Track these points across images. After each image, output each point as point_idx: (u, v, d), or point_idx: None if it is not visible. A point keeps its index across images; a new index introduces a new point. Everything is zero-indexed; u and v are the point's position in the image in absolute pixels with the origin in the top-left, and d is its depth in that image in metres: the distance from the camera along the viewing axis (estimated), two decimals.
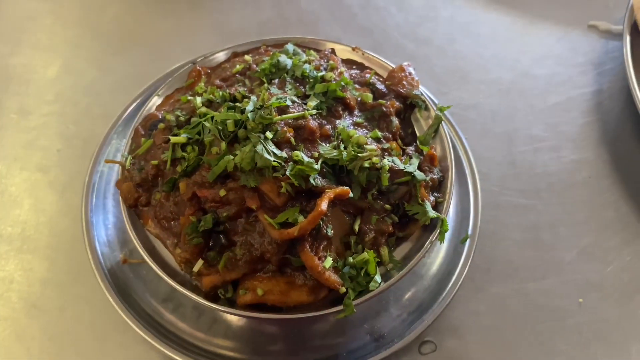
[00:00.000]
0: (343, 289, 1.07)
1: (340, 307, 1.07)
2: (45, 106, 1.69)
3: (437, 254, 1.37)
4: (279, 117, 1.14)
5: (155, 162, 1.20)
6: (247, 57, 1.43)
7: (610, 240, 1.45)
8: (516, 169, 1.58)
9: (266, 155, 1.07)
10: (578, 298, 1.35)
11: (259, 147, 1.08)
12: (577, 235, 1.46)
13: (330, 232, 1.10)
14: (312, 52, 1.44)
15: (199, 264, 1.12)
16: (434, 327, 1.28)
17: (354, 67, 1.47)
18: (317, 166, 1.09)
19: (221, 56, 1.50)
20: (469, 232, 1.37)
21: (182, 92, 1.42)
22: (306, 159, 1.09)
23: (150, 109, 1.38)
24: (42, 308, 1.31)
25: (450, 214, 1.41)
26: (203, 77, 1.43)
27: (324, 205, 1.03)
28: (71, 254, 1.38)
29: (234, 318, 1.27)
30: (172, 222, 1.18)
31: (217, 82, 1.37)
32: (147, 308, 1.28)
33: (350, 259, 1.10)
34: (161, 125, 1.26)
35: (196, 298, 1.09)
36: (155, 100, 1.40)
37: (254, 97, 1.17)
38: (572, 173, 1.58)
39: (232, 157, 1.09)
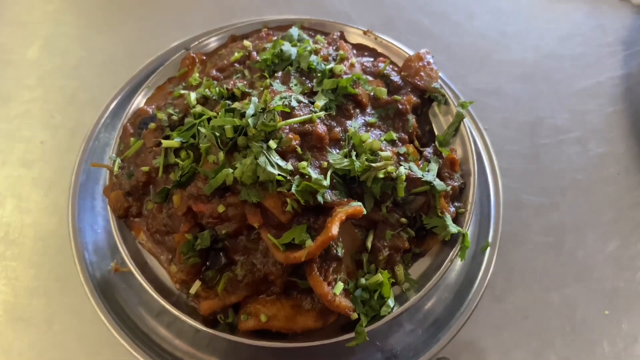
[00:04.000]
0: (355, 315, 0.98)
1: (352, 335, 0.98)
2: (27, 92, 1.55)
3: (455, 262, 1.26)
4: (283, 122, 1.01)
5: (146, 168, 1.08)
6: (246, 42, 1.29)
7: (639, 244, 1.35)
8: (539, 164, 1.46)
9: (269, 168, 0.95)
10: (604, 309, 1.26)
11: (262, 159, 0.96)
12: (603, 238, 1.36)
13: (340, 252, 0.99)
14: (319, 37, 1.29)
15: (196, 286, 1.02)
16: (450, 342, 1.19)
17: (366, 53, 1.33)
18: (327, 182, 0.97)
19: (218, 40, 1.35)
20: (490, 239, 1.26)
21: (175, 82, 1.29)
22: (314, 175, 0.97)
23: (140, 103, 1.25)
24: (29, 321, 1.22)
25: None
26: (197, 65, 1.29)
27: (334, 229, 0.91)
28: (58, 261, 1.28)
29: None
30: (166, 237, 1.07)
31: (213, 72, 1.23)
32: (140, 323, 1.18)
33: (363, 280, 1.00)
34: (152, 125, 1.14)
35: (194, 323, 1.00)
36: (145, 92, 1.27)
37: (254, 99, 1.03)
38: (598, 169, 1.45)
39: (231, 170, 0.97)
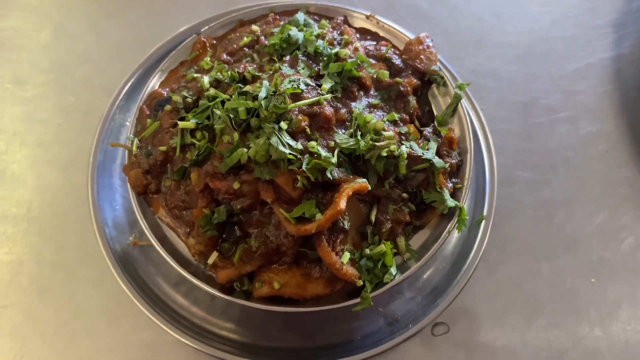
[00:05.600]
0: (360, 282, 1.06)
1: (357, 300, 1.06)
2: (40, 75, 1.60)
3: (452, 234, 1.34)
4: (293, 104, 1.08)
5: (163, 148, 1.15)
6: (254, 27, 1.35)
7: (624, 217, 1.44)
8: (532, 142, 1.54)
9: (281, 147, 1.02)
10: (591, 278, 1.35)
11: (274, 139, 1.03)
12: (592, 212, 1.44)
13: (347, 225, 1.07)
14: (323, 22, 1.35)
15: (213, 256, 1.10)
16: (447, 308, 1.28)
17: (368, 37, 1.39)
18: (334, 159, 1.04)
19: (226, 25, 1.41)
20: (484, 212, 1.34)
21: (187, 65, 1.35)
22: (323, 153, 1.04)
23: (154, 86, 1.32)
24: (53, 292, 1.30)
25: None
26: (208, 49, 1.35)
27: (342, 204, 0.99)
28: (79, 236, 1.36)
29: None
30: (184, 212, 1.15)
31: (224, 56, 1.30)
32: (159, 292, 1.27)
33: (367, 251, 1.09)
34: (168, 107, 1.20)
35: (212, 291, 1.08)
36: (159, 76, 1.33)
37: (266, 82, 1.10)
38: (588, 147, 1.53)
39: (245, 149, 1.04)
